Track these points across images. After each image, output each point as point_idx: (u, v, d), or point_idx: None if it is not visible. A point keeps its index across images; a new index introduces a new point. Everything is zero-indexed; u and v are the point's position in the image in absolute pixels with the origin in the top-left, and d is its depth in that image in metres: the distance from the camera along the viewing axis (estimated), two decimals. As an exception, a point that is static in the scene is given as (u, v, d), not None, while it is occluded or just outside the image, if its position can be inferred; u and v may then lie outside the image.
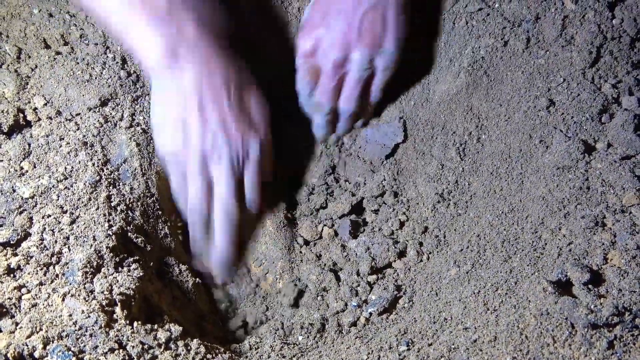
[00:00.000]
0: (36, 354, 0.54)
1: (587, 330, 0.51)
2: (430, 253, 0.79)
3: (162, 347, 0.60)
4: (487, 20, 0.85)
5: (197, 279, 0.77)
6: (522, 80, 0.82)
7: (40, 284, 0.61)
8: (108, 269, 0.64)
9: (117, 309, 0.60)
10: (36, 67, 0.80)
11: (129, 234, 0.71)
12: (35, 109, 0.77)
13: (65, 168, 0.72)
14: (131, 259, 0.68)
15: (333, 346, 0.69)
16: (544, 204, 0.71)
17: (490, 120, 0.83)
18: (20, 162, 0.72)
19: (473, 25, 0.86)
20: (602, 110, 0.76)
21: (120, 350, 0.57)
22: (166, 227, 0.78)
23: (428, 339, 0.62)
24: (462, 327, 0.60)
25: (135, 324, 0.60)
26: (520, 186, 0.76)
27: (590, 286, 0.57)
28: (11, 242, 0.65)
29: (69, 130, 0.76)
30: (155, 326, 0.62)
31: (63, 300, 0.59)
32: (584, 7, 0.82)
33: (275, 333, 0.74)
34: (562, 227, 0.67)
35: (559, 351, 0.51)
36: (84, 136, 0.76)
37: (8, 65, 0.79)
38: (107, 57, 0.83)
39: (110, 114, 0.80)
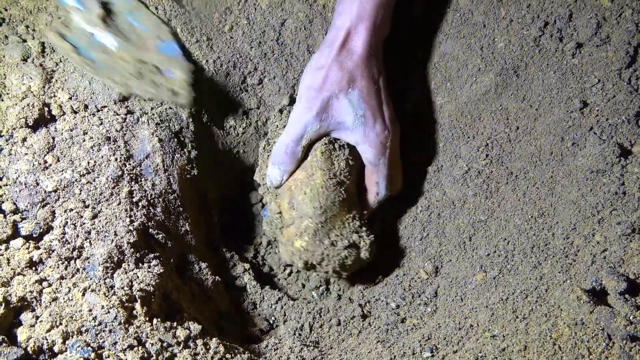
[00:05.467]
0: (55, 349, 0.54)
1: (625, 343, 0.48)
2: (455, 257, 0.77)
3: (181, 345, 0.59)
4: (518, 18, 0.82)
5: (217, 277, 0.76)
6: (554, 81, 0.79)
7: (61, 278, 0.61)
8: (128, 265, 0.64)
9: (137, 305, 0.60)
10: (60, 61, 0.80)
11: (150, 229, 0.71)
12: (60, 103, 0.77)
13: (88, 162, 0.72)
14: (152, 255, 0.67)
15: (353, 350, 0.67)
16: (577, 209, 0.68)
17: (520, 121, 0.80)
18: (45, 155, 0.72)
19: (503, 23, 0.83)
20: (639, 112, 0.73)
21: (139, 347, 0.56)
22: (187, 224, 0.78)
23: (453, 346, 0.60)
24: (490, 334, 0.58)
25: (154, 320, 0.59)
26: (551, 190, 0.73)
27: (627, 296, 0.54)
28: (34, 235, 0.65)
29: (93, 125, 0.75)
30: (175, 324, 0.61)
31: (83, 295, 0.59)
32: (621, 5, 0.78)
33: (295, 334, 0.73)
34: (596, 233, 0.64)
35: (594, 363, 0.48)
36: (107, 131, 0.75)
37: (33, 59, 0.80)
38: (132, 52, 0.83)
39: (133, 109, 0.79)
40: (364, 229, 0.77)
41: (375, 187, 0.80)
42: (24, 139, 0.72)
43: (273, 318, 0.79)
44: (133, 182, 0.73)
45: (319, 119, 0.76)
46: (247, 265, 0.84)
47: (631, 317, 0.49)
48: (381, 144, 0.77)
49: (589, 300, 0.53)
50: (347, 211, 0.76)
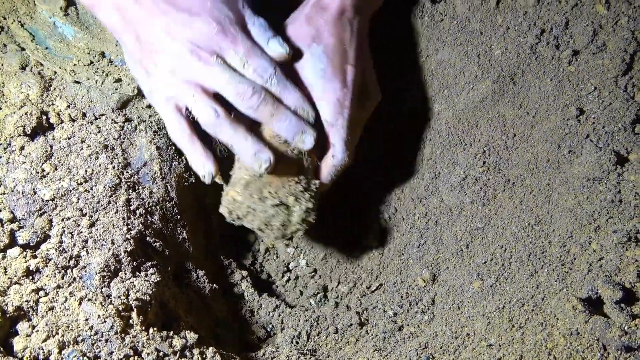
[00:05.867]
0: (51, 358, 0.54)
1: (620, 353, 0.48)
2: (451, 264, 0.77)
3: (177, 354, 0.59)
4: (515, 25, 0.82)
5: (214, 285, 0.76)
6: (551, 88, 0.79)
7: (58, 287, 0.61)
8: (125, 274, 0.64)
9: (134, 315, 0.60)
10: (59, 69, 0.80)
11: (148, 238, 0.71)
12: (58, 111, 0.77)
13: (86, 171, 0.72)
14: (149, 264, 0.67)
15: (351, 358, 0.67)
16: (573, 217, 0.68)
17: (517, 129, 0.80)
18: (42, 164, 0.72)
19: (499, 31, 0.83)
20: (635, 120, 0.73)
21: (136, 357, 0.56)
22: (185, 231, 0.78)
23: (450, 355, 0.60)
24: (486, 343, 0.58)
25: (150, 330, 0.60)
26: (547, 197, 0.73)
27: (622, 305, 0.54)
28: (31, 244, 0.65)
29: (90, 133, 0.76)
30: (171, 333, 0.61)
31: (80, 304, 0.59)
32: (617, 13, 0.79)
33: (292, 342, 0.73)
34: (592, 241, 0.64)
35: (589, 374, 0.48)
36: (105, 139, 0.76)
37: (32, 67, 0.80)
38: (130, 60, 0.84)
39: (131, 116, 0.80)
40: (307, 195, 0.73)
41: (331, 150, 0.75)
42: (22, 148, 0.72)
43: (271, 326, 0.79)
44: (130, 190, 0.73)
45: None
46: (245, 273, 0.84)
47: (626, 327, 0.49)
48: (339, 101, 0.73)
49: (585, 310, 0.53)
50: (291, 174, 0.73)
